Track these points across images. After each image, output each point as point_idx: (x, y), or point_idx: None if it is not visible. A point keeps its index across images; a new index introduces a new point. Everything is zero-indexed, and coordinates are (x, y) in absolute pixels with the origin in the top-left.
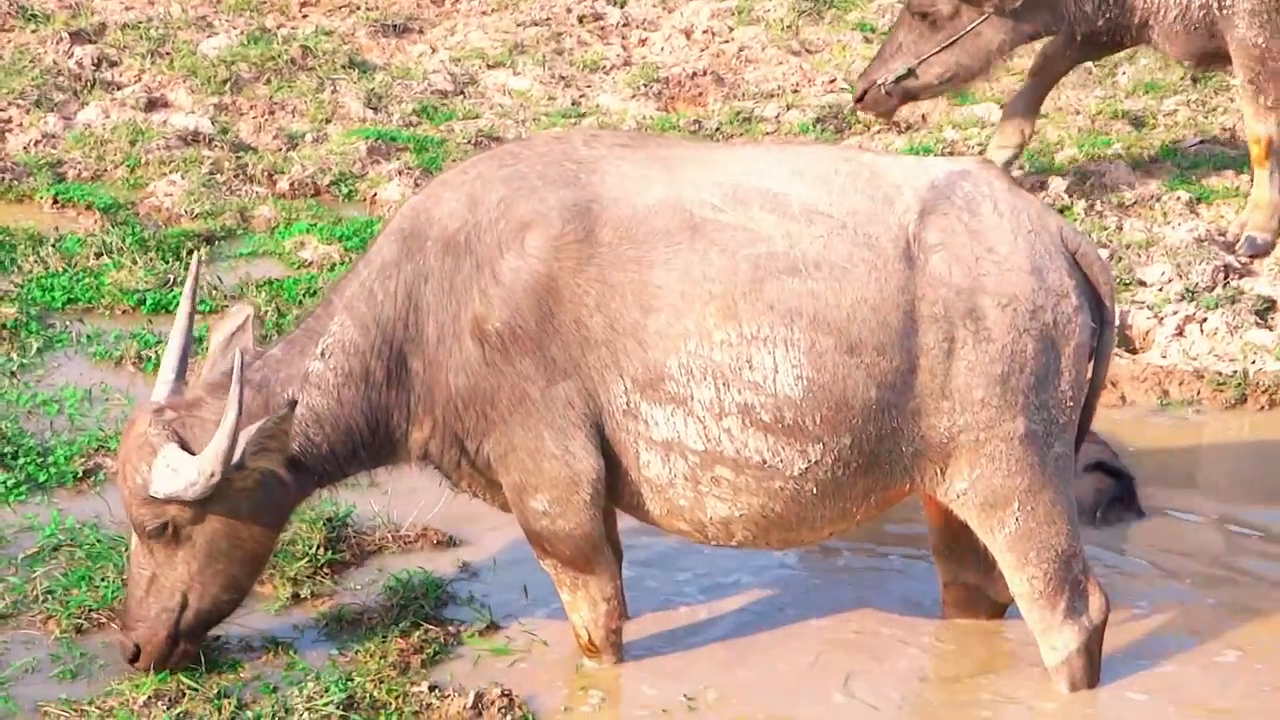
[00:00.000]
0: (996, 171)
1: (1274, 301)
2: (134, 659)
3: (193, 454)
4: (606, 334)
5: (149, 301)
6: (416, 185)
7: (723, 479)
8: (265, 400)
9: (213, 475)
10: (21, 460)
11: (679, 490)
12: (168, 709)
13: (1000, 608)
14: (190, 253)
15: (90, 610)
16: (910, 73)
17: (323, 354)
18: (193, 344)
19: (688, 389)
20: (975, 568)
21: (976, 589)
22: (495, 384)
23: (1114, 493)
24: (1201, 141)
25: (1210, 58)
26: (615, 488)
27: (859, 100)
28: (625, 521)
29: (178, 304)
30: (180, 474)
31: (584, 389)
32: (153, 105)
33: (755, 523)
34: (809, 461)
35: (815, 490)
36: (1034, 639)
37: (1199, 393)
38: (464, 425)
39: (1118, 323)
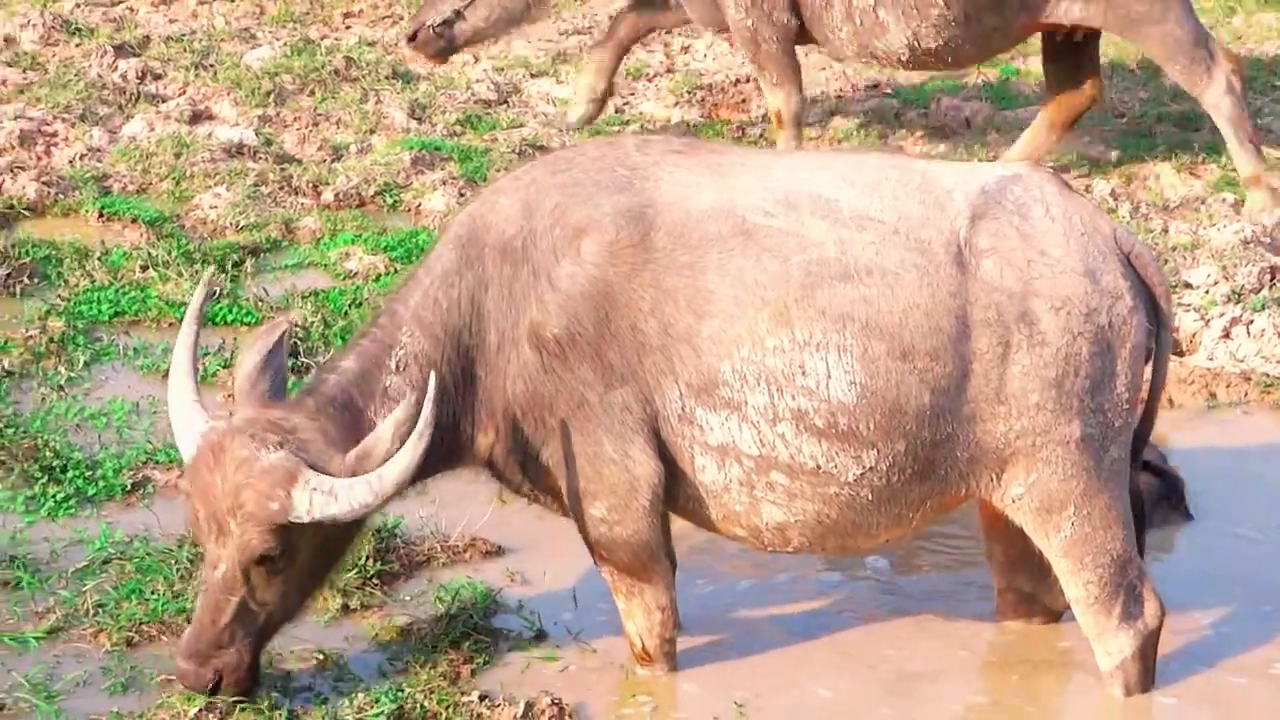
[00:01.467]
0: (1048, 175)
1: None
2: (215, 689)
3: None
4: (661, 339)
5: None
6: (461, 195)
7: (778, 484)
8: (353, 419)
9: (393, 495)
10: (70, 474)
11: (734, 495)
12: None
13: (1054, 614)
14: (236, 265)
15: (141, 623)
16: (458, 14)
17: (398, 367)
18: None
19: (742, 394)
20: (1029, 574)
21: (1030, 595)
22: (554, 390)
23: (1162, 494)
24: None
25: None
26: (672, 493)
27: (410, 39)
28: (678, 528)
29: (223, 316)
30: (341, 498)
31: (640, 394)
32: (197, 118)
33: (811, 528)
34: (864, 467)
35: (871, 496)
36: (1088, 648)
37: (1246, 394)
38: (523, 432)
39: None
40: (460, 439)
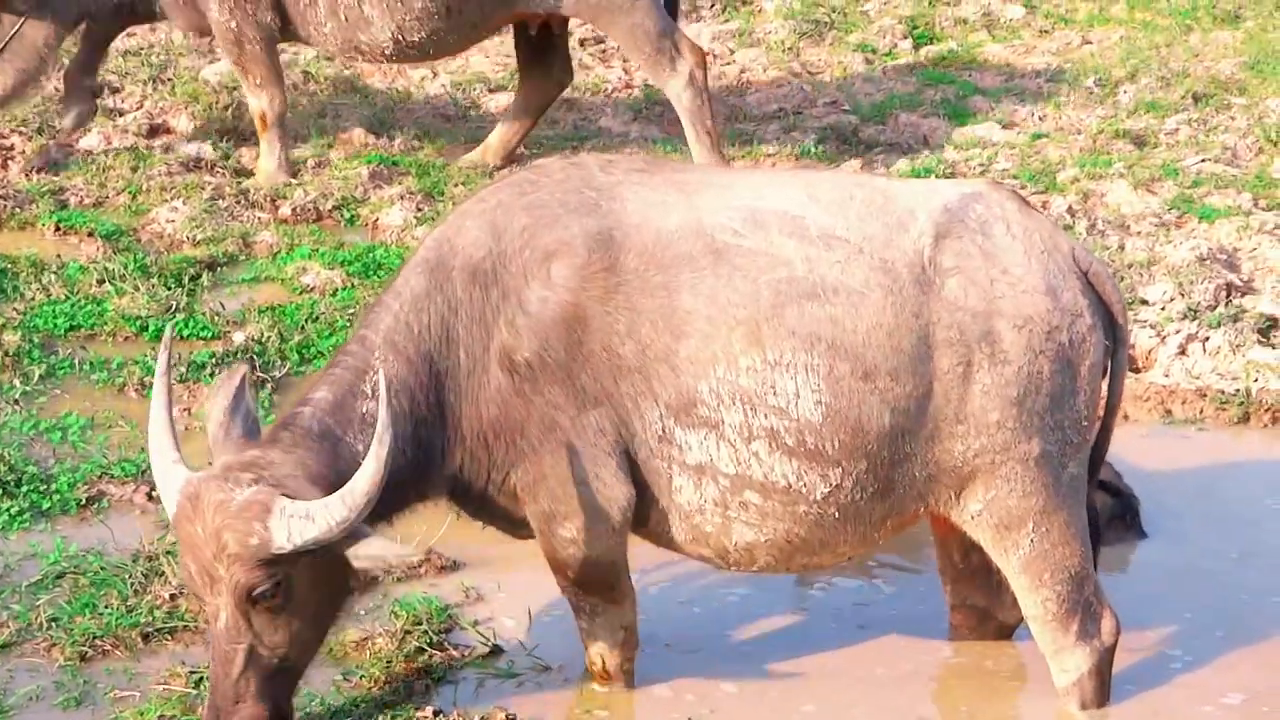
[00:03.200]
0: (1007, 193)
1: (1276, 319)
2: None
3: None
4: (639, 360)
5: (151, 328)
6: (419, 210)
7: (751, 504)
8: (332, 448)
9: (366, 507)
10: (25, 488)
11: (707, 516)
12: None
13: (1008, 629)
14: (193, 279)
15: (94, 638)
16: None
17: (373, 392)
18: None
19: (719, 413)
20: (983, 590)
21: (985, 611)
22: (525, 413)
23: (1116, 512)
24: (1203, 160)
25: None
26: (641, 514)
27: None
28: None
29: (180, 331)
30: (318, 519)
31: (615, 416)
32: (154, 131)
33: (779, 548)
34: (830, 485)
35: (837, 514)
36: (1043, 661)
37: (1202, 411)
38: (492, 456)
39: None
40: (434, 464)
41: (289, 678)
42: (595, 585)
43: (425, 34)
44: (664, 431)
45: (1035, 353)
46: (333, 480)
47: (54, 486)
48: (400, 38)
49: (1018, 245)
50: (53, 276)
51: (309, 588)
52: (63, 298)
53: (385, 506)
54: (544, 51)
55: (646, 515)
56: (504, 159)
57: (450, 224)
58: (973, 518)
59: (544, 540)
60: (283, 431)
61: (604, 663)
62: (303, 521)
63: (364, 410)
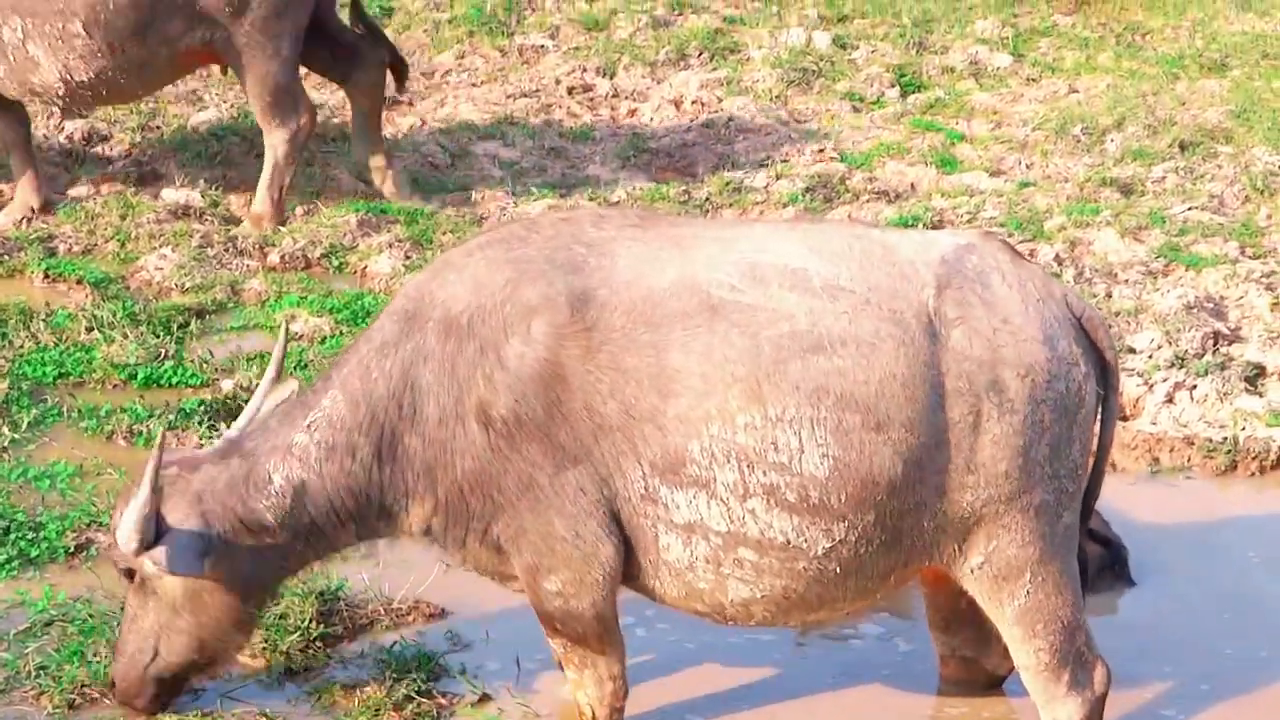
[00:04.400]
0: (999, 243)
1: (1263, 368)
2: (112, 687)
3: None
4: (622, 420)
5: (140, 376)
6: (408, 258)
7: (746, 560)
8: (250, 469)
9: (129, 544)
10: (13, 535)
11: (699, 573)
12: None
13: (998, 679)
14: (182, 326)
15: (83, 686)
16: None
17: (309, 426)
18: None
19: (710, 472)
20: (972, 641)
21: (974, 662)
22: (501, 469)
23: (1105, 561)
24: (1190, 208)
25: None
26: (630, 571)
27: None
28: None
29: (169, 379)
30: (121, 530)
31: (596, 474)
32: (143, 179)
33: (777, 604)
34: (833, 540)
35: (839, 569)
36: (1032, 705)
37: (1189, 459)
38: (469, 507)
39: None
40: (388, 508)
41: (164, 666)
42: (583, 637)
43: (92, 74)
44: (648, 490)
45: (1037, 402)
46: (231, 503)
47: (42, 534)
48: (69, 78)
49: (1015, 295)
50: (41, 324)
51: (168, 595)
52: (51, 345)
53: (321, 540)
54: (331, 51)
55: (636, 572)
56: (385, 165)
57: (432, 274)
58: (973, 571)
59: (530, 593)
60: (229, 444)
61: (593, 713)
62: (123, 524)
63: (293, 441)
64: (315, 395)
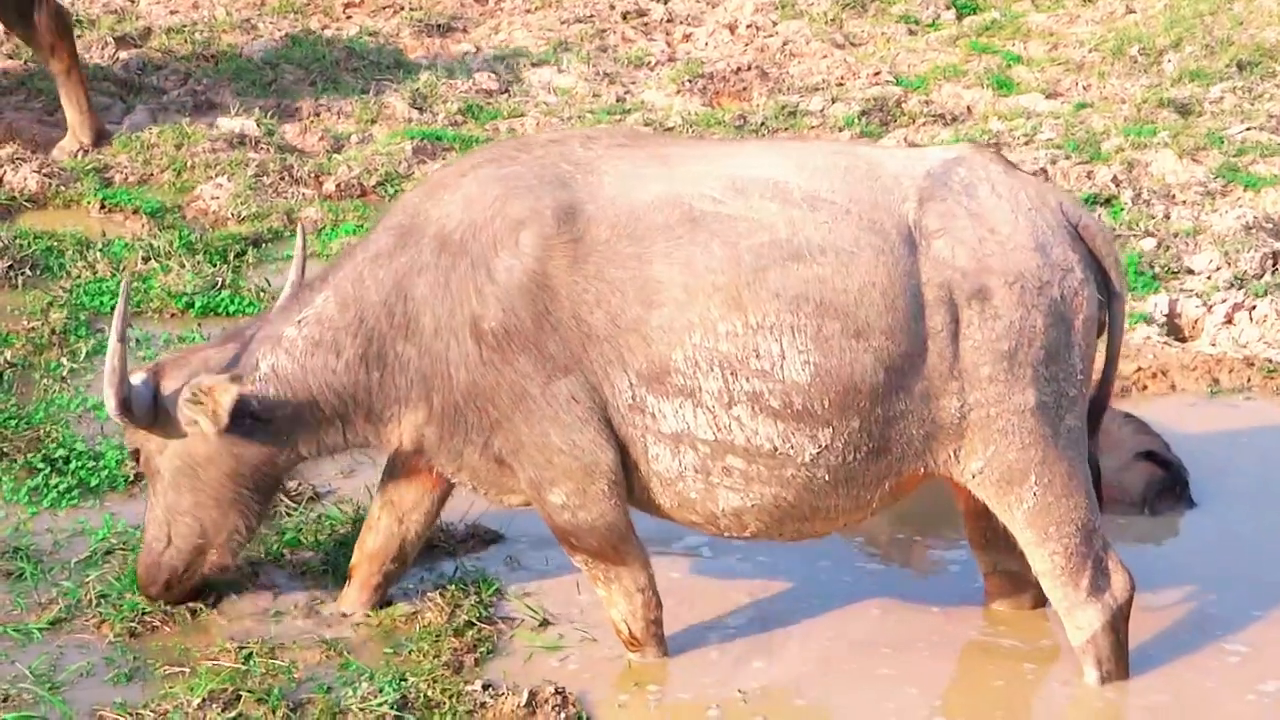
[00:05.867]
0: (991, 154)
1: None
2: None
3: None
4: (609, 330)
5: (197, 305)
6: None
7: (734, 469)
8: (241, 354)
9: (109, 405)
10: (73, 465)
11: (689, 483)
12: (222, 711)
13: (1043, 596)
14: (238, 255)
15: (143, 614)
16: None
17: (300, 321)
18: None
19: (695, 380)
20: (1014, 554)
21: (1018, 575)
22: (495, 382)
23: (1165, 483)
24: (1248, 128)
25: None
26: (625, 482)
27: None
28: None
29: (225, 307)
30: (105, 394)
31: (587, 383)
32: (198, 109)
33: (769, 513)
34: (819, 447)
35: (827, 477)
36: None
37: (1249, 380)
38: (466, 419)
39: (1166, 309)
40: (378, 413)
41: (175, 554)
42: (598, 549)
43: None
44: (635, 400)
45: (1028, 308)
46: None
47: (102, 463)
48: None
49: (1004, 204)
50: (98, 254)
51: (169, 472)
52: (108, 275)
53: (309, 435)
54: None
55: (630, 483)
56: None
57: (426, 192)
58: (974, 476)
59: (540, 508)
60: (231, 331)
61: (629, 629)
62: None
63: (284, 333)
64: (311, 293)
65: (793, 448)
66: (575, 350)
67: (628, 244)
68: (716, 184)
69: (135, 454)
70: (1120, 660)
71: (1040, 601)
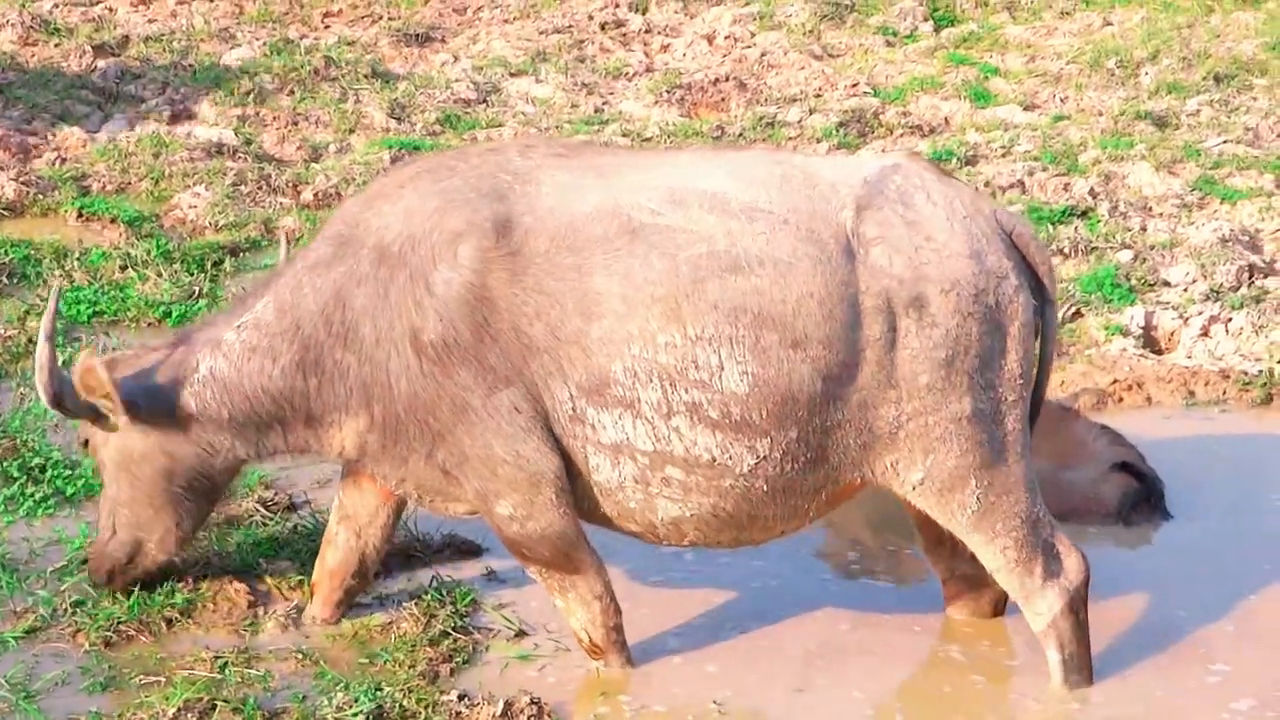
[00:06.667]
0: (925, 163)
1: None
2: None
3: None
4: (548, 341)
5: (175, 314)
6: None
7: (673, 479)
8: (180, 358)
9: (44, 398)
10: (49, 473)
11: (629, 493)
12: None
13: (1004, 597)
14: (216, 264)
15: (119, 623)
16: None
17: (239, 326)
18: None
19: (634, 392)
20: (967, 557)
21: (974, 578)
22: (435, 394)
23: (1140, 494)
24: (1225, 141)
25: None
26: (571, 490)
27: None
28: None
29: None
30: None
31: (529, 394)
32: (176, 118)
33: (706, 522)
34: (758, 457)
35: (765, 487)
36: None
37: (1225, 393)
38: (408, 430)
39: (1142, 321)
40: (318, 418)
41: (118, 545)
42: (550, 559)
43: None
44: (575, 411)
45: (964, 315)
46: (164, 384)
47: (78, 472)
48: None
49: (939, 212)
50: (75, 263)
51: (111, 463)
52: (85, 284)
53: (245, 438)
54: None
55: (572, 493)
56: None
57: (365, 203)
58: (915, 487)
59: (489, 520)
60: (181, 333)
61: (589, 637)
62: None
63: (222, 337)
64: (252, 299)
65: (731, 458)
66: (516, 362)
67: (567, 256)
68: (655, 195)
69: (85, 443)
70: (1082, 642)
71: (1000, 606)
